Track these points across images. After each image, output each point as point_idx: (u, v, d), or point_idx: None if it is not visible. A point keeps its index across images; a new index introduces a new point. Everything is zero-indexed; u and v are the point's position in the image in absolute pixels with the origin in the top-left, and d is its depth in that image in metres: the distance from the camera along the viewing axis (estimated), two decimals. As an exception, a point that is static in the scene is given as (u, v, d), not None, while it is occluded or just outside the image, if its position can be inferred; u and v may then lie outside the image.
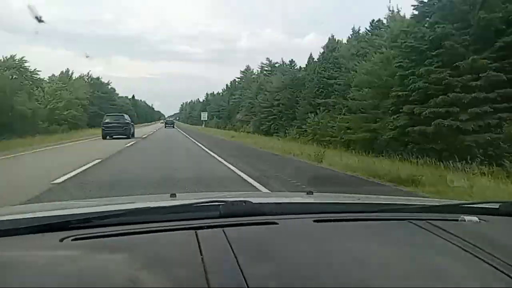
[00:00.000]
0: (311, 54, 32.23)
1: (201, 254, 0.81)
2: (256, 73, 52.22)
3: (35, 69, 35.72)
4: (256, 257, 0.83)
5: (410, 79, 14.51)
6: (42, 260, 0.79)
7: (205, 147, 16.42)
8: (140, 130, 35.13)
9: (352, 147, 18.05)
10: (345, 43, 28.81)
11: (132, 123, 24.66)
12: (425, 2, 15.68)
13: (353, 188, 6.89)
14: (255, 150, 16.80)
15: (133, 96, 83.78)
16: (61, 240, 0.90)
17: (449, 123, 12.84)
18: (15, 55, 34.22)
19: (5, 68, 32.05)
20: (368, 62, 19.17)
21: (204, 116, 54.51)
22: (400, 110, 14.96)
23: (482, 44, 13.09)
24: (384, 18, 25.17)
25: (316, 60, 29.61)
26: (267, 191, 6.26)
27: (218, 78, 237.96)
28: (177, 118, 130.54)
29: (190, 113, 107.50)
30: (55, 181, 6.80)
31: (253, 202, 1.17)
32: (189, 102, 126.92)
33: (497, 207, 1.23)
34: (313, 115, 24.78)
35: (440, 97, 13.18)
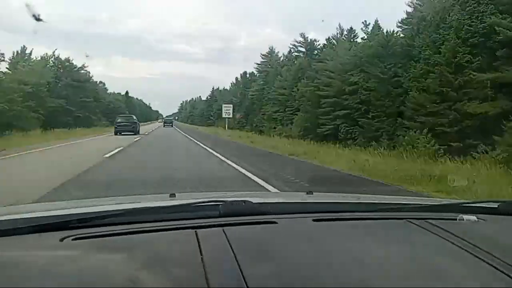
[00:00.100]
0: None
1: (201, 254, 0.81)
2: (284, 57, 41.32)
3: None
4: (256, 256, 0.83)
5: None
6: (42, 260, 0.79)
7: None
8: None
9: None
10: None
11: (138, 122, 30.23)
12: None
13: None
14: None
15: (127, 93, 72.54)
16: (61, 240, 0.90)
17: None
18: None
19: None
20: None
21: (228, 110, 28.12)
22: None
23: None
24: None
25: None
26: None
27: (218, 78, 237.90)
28: (176, 118, 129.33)
29: (191, 112, 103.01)
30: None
31: (253, 201, 1.17)
32: (190, 101, 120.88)
33: (496, 206, 1.23)
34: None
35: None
